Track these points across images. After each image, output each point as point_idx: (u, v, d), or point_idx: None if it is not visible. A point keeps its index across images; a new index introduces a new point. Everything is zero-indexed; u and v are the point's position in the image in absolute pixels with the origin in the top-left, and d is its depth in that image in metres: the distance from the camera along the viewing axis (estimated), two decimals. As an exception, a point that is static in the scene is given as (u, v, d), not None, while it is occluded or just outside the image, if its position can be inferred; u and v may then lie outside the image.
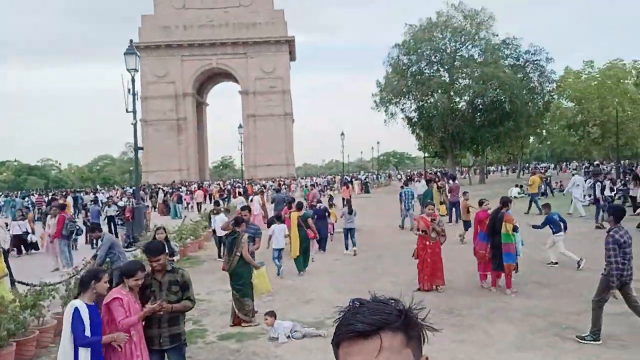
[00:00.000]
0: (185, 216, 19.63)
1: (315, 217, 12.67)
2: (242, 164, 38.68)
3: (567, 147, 51.39)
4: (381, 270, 10.70)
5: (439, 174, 37.35)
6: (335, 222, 15.51)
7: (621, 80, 42.46)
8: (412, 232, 9.67)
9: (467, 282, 9.15)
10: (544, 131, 50.02)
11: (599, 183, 16.17)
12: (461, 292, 8.68)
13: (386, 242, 14.55)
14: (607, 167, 39.57)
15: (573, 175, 22.26)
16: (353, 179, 44.10)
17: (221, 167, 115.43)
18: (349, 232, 13.17)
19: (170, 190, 35.32)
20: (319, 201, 15.68)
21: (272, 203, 18.09)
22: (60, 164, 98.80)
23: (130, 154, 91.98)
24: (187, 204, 31.24)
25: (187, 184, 46.91)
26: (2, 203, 33.33)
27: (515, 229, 8.47)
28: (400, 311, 0.94)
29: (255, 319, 7.30)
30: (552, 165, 57.24)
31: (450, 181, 19.59)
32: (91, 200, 25.51)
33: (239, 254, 7.15)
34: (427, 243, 8.79)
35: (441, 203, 18.85)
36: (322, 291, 9.13)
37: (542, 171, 34.16)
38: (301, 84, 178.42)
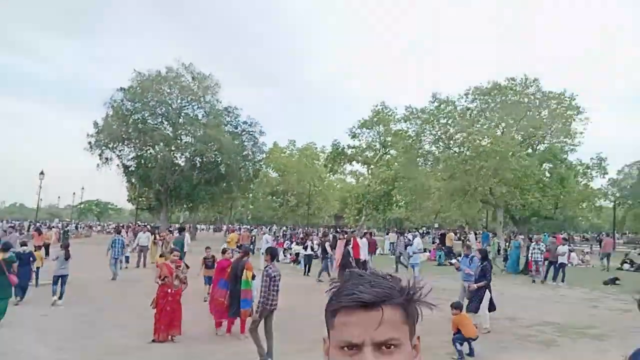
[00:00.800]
0: None
1: (18, 262, 10.55)
2: None
3: (268, 212, 57.83)
4: (107, 323, 9.57)
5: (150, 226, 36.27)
6: (41, 266, 13.39)
7: (314, 160, 51.30)
8: (151, 280, 9.10)
9: (202, 331, 9.10)
10: (251, 195, 55.14)
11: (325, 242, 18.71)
12: (198, 340, 8.59)
13: (103, 294, 13.12)
14: (299, 232, 46.20)
15: (264, 235, 25.16)
16: (52, 227, 38.32)
17: None
18: (60, 279, 11.42)
19: None
20: (24, 244, 13.08)
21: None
22: None
23: None
24: None
25: None
26: None
27: (253, 277, 9.05)
28: (402, 288, 0.94)
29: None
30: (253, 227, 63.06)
31: (179, 233, 19.46)
32: None
33: None
34: (169, 291, 8.48)
35: (161, 255, 18.40)
36: (38, 351, 7.55)
37: (249, 231, 37.26)
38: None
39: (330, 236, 21.86)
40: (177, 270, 8.62)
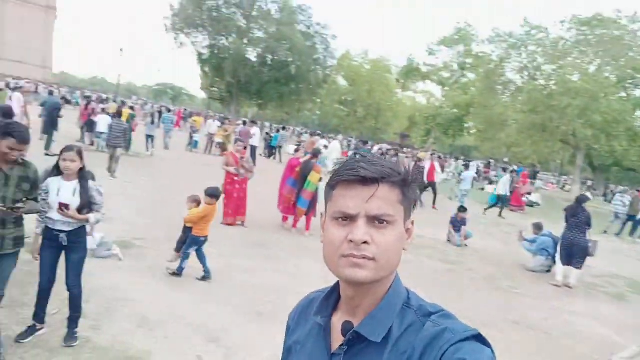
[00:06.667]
0: None
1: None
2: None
3: (335, 120, 57.17)
4: (177, 197, 10.14)
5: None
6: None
7: (386, 74, 49.31)
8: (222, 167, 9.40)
9: (268, 222, 9.48)
10: (319, 101, 54.35)
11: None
12: (264, 229, 8.97)
13: (176, 172, 13.94)
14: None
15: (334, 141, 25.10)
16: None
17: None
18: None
19: None
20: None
21: (41, 106, 15.15)
22: None
23: None
24: None
25: None
26: None
27: (320, 180, 9.09)
28: (401, 170, 0.96)
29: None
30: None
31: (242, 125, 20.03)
32: None
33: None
34: (236, 179, 8.79)
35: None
36: (123, 211, 8.15)
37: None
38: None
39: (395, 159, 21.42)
40: (242, 161, 8.84)
